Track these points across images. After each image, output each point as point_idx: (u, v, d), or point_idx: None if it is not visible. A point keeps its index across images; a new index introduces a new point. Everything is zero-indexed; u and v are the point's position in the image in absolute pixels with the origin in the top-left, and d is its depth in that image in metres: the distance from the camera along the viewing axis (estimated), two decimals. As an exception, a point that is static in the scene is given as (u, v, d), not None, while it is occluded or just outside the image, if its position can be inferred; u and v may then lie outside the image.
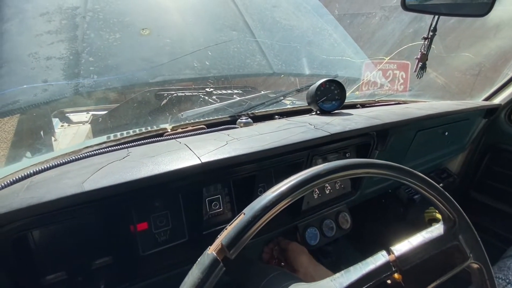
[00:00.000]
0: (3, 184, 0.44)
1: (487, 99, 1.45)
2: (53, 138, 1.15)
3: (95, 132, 1.19)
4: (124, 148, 0.60)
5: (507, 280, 0.95)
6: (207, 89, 1.28)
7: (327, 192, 0.92)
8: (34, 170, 0.48)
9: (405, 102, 1.32)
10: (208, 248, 0.31)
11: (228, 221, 0.75)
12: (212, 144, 0.58)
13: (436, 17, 0.72)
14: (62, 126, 1.30)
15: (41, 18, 1.13)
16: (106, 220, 0.52)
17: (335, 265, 0.94)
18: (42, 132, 1.06)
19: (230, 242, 0.29)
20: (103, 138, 0.78)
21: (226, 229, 0.31)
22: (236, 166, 0.61)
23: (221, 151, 0.54)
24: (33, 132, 0.97)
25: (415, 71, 0.81)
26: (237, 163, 0.58)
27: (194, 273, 0.29)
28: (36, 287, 0.49)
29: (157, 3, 1.39)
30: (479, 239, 0.41)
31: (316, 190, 0.88)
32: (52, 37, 1.10)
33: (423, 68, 0.79)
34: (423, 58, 0.77)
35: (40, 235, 0.47)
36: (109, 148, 0.60)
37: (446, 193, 0.39)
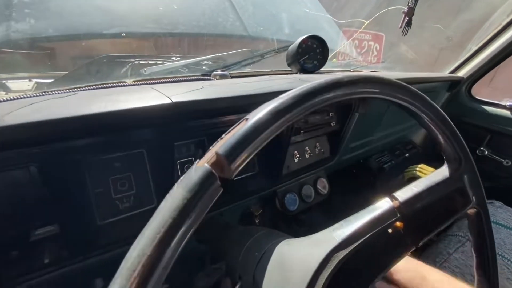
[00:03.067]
0: None
1: (452, 72, 1.51)
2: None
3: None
4: (71, 92, 0.47)
5: (466, 237, 1.02)
6: (174, 58, 1.13)
7: (307, 156, 0.88)
8: None
9: (380, 72, 1.32)
10: (196, 162, 0.22)
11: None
12: (185, 87, 0.48)
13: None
14: (-3, 93, 1.07)
15: None
16: (44, 176, 0.40)
17: (310, 233, 0.93)
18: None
19: (231, 151, 0.20)
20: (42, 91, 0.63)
21: (221, 138, 0.23)
22: (213, 116, 0.52)
23: (197, 94, 0.44)
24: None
25: (400, 27, 0.78)
26: (215, 111, 0.48)
27: (177, 193, 0.20)
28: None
29: None
30: (481, 182, 0.39)
31: (297, 153, 0.84)
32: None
33: (409, 24, 0.76)
34: (410, 13, 0.74)
35: None
36: (50, 92, 0.46)
37: (456, 130, 0.35)
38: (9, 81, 1.13)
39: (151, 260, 0.18)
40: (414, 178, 0.96)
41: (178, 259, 0.20)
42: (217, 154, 0.21)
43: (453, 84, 1.50)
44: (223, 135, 0.23)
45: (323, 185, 0.96)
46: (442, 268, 0.90)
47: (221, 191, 0.21)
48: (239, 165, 0.21)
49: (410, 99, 0.31)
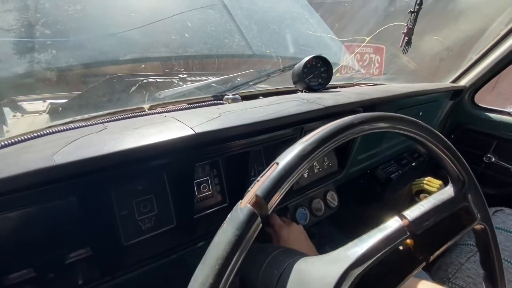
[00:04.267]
0: None
1: (453, 81, 1.54)
2: (5, 128, 0.99)
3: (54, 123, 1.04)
4: (98, 123, 0.52)
5: (473, 245, 1.03)
6: (181, 75, 1.19)
7: (316, 171, 0.91)
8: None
9: (383, 84, 1.36)
10: (239, 202, 0.26)
11: (218, 204, 0.70)
12: (203, 116, 0.52)
13: (422, -10, 0.72)
14: (14, 116, 1.13)
15: (-20, -17, 0.95)
16: (81, 204, 0.44)
17: (321, 246, 0.95)
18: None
19: (267, 193, 0.25)
20: (67, 120, 0.67)
21: (258, 181, 0.26)
22: (228, 141, 0.56)
23: (216, 122, 0.48)
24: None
25: (401, 46, 0.82)
26: (231, 137, 0.52)
27: (228, 231, 0.24)
28: (-5, 288, 0.40)
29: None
30: (484, 200, 0.41)
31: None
32: (-4, 5, 0.93)
33: (409, 43, 0.80)
34: (409, 33, 0.78)
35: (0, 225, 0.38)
36: (80, 124, 0.51)
37: (458, 153, 0.38)
38: (24, 103, 1.20)
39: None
40: (422, 191, 0.98)
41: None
42: (256, 196, 0.25)
43: (456, 93, 1.53)
44: (258, 178, 0.27)
45: (332, 198, 0.98)
46: (455, 278, 0.90)
47: (261, 226, 0.24)
48: (274, 203, 0.25)
49: (414, 130, 0.35)
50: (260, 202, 0.25)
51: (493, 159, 1.51)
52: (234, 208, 0.26)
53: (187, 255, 0.63)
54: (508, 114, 1.46)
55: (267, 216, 0.25)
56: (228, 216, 0.26)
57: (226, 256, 0.23)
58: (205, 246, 0.66)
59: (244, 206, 0.25)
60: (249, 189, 0.27)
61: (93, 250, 0.49)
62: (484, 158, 1.53)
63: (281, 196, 0.25)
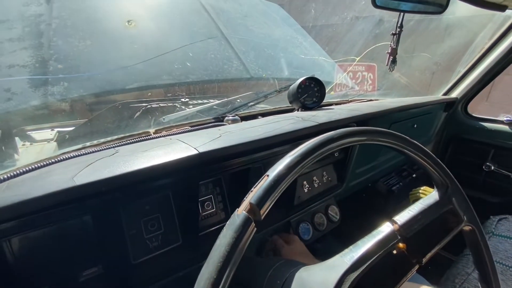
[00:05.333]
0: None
1: (445, 94, 1.60)
2: (16, 156, 1.04)
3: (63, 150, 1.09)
4: (109, 148, 0.56)
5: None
6: (183, 99, 1.25)
7: (316, 185, 0.94)
8: (9, 175, 0.43)
9: (376, 100, 1.41)
10: (236, 210, 0.30)
11: (222, 221, 0.73)
12: (206, 137, 0.57)
13: (402, 14, 0.79)
14: (23, 145, 1.18)
15: (0, 26, 1.05)
16: (94, 223, 0.47)
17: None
18: (3, 147, 0.96)
19: (259, 201, 0.29)
20: (78, 146, 0.72)
21: (251, 191, 0.30)
22: (229, 159, 0.60)
23: (217, 142, 0.53)
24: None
25: (387, 65, 0.88)
26: (232, 155, 0.56)
27: (227, 234, 0.28)
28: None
29: (129, 10, 1.36)
30: (469, 202, 0.44)
31: (306, 183, 0.89)
32: (14, 45, 1.02)
33: (394, 61, 0.86)
34: (393, 52, 0.85)
35: (19, 244, 0.41)
36: (92, 149, 0.55)
37: (438, 160, 0.42)
38: (33, 132, 1.25)
39: (216, 282, 0.26)
40: (419, 200, 0.99)
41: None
42: (250, 203, 0.30)
43: (449, 105, 1.58)
44: (252, 188, 0.31)
45: (334, 212, 1.00)
46: (462, 289, 0.89)
47: (255, 230, 0.28)
48: (266, 209, 0.29)
49: (393, 141, 0.39)
50: (254, 209, 0.29)
51: (492, 168, 1.52)
52: (232, 215, 0.31)
53: (193, 272, 0.65)
54: (502, 122, 1.50)
55: (260, 221, 0.29)
56: (227, 222, 0.31)
57: (227, 255, 0.27)
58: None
59: (240, 213, 0.30)
60: (245, 198, 0.31)
61: (104, 269, 0.52)
62: (483, 167, 1.55)
63: (272, 203, 0.30)
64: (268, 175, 0.31)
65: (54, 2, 1.18)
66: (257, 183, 0.31)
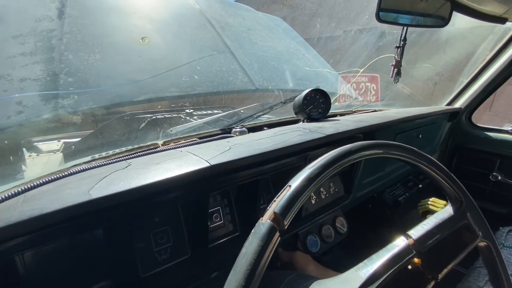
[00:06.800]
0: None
1: (449, 104, 1.61)
2: (23, 167, 1.05)
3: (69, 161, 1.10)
4: (120, 160, 0.57)
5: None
6: (187, 110, 1.27)
7: (323, 197, 0.93)
8: (24, 188, 0.44)
9: (380, 110, 1.42)
10: (260, 219, 0.30)
11: (230, 233, 0.72)
12: (215, 149, 0.57)
13: (405, 28, 0.81)
14: (30, 156, 1.19)
15: (13, 41, 1.08)
16: (105, 237, 0.47)
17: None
18: (13, 159, 0.97)
19: (283, 210, 0.30)
20: (88, 158, 0.73)
21: (274, 201, 0.31)
22: (238, 171, 0.60)
23: (228, 154, 0.53)
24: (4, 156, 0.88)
25: (391, 77, 0.89)
26: (241, 167, 0.57)
27: (253, 243, 0.28)
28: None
29: (138, 26, 1.39)
30: (483, 217, 0.44)
31: (313, 195, 0.89)
32: (26, 59, 1.05)
33: (399, 73, 0.87)
34: (398, 65, 0.86)
35: (32, 258, 0.41)
36: (103, 161, 0.56)
37: (452, 175, 0.42)
38: (39, 143, 1.26)
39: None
40: (428, 211, 0.98)
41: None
42: (274, 213, 0.30)
43: (453, 115, 1.58)
44: (275, 198, 0.32)
45: (341, 223, 0.99)
46: (475, 303, 0.87)
47: (279, 239, 0.28)
48: (289, 219, 0.30)
49: (408, 155, 0.39)
50: (278, 218, 0.30)
51: (499, 177, 1.51)
52: (257, 224, 0.31)
53: (202, 286, 0.64)
54: (507, 132, 1.50)
55: (284, 230, 0.29)
56: (252, 230, 0.31)
57: (254, 263, 0.27)
58: (219, 276, 0.67)
59: (265, 221, 0.30)
60: (268, 207, 0.32)
61: (114, 282, 0.51)
62: (490, 177, 1.53)
63: (294, 214, 0.30)
64: (290, 186, 0.32)
65: (66, 18, 1.22)
66: (279, 193, 0.32)
